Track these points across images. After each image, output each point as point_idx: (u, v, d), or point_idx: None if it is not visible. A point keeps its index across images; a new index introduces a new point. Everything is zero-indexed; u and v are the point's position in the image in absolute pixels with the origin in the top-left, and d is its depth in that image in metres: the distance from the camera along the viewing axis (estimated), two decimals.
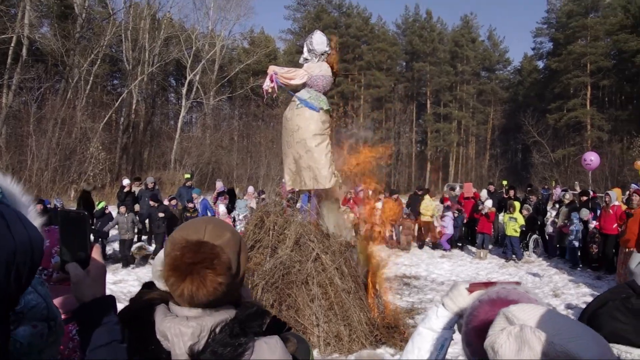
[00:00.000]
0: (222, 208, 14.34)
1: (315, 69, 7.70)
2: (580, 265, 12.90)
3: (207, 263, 1.38)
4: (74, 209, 12.20)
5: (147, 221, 14.96)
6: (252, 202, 15.82)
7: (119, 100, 36.75)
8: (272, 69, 7.59)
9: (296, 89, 7.80)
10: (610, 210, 12.09)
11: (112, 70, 43.52)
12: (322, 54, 7.80)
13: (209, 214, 13.96)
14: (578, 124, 51.05)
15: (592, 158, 17.26)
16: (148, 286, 1.63)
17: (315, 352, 6.38)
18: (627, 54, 46.98)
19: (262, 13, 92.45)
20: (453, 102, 61.21)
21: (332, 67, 7.93)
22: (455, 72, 60.49)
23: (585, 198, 13.84)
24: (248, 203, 15.73)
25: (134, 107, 38.50)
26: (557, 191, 23.63)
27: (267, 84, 7.50)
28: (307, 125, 7.66)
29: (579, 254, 13.23)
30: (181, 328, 1.38)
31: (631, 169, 36.29)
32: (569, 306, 9.03)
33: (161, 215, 13.03)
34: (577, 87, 52.03)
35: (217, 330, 1.40)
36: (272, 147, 39.10)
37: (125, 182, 16.38)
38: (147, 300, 1.51)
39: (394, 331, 7.04)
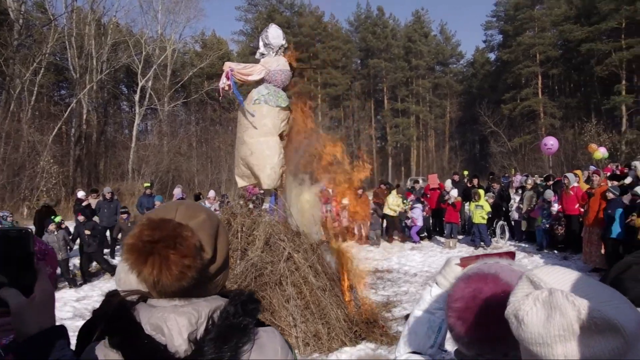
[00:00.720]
0: None
1: (272, 64, 7.44)
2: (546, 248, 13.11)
3: (168, 242, 1.21)
4: (16, 226, 11.47)
5: (107, 233, 14.47)
6: (214, 207, 15.44)
7: (68, 110, 35.24)
8: (227, 65, 7.29)
9: (253, 86, 7.54)
10: (571, 192, 12.45)
11: (58, 79, 41.61)
12: (280, 48, 7.55)
13: None
14: (531, 113, 52.31)
15: (551, 142, 17.54)
16: (112, 295, 1.51)
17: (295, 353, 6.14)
18: (572, 43, 48.71)
19: (213, 15, 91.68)
20: (410, 97, 61.68)
21: (290, 64, 7.70)
22: (410, 67, 60.98)
23: (550, 182, 14.04)
24: (209, 207, 15.34)
25: (84, 117, 37.13)
26: (517, 178, 24.06)
27: (222, 82, 7.20)
28: (263, 123, 7.41)
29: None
30: (176, 317, 1.24)
31: (584, 153, 37.32)
32: None
33: (87, 232, 11.79)
34: (528, 77, 53.38)
35: (216, 315, 1.27)
36: (232, 151, 38.25)
37: (81, 194, 15.83)
38: (123, 300, 1.32)
39: (373, 326, 6.87)
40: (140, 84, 39.81)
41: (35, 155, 27.69)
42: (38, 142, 28.42)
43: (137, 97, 40.31)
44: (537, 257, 12.40)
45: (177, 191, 16.16)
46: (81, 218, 12.20)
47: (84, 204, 14.60)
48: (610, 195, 10.13)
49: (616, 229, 9.75)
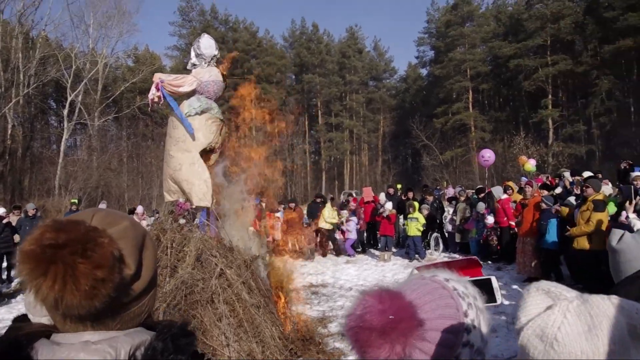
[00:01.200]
0: None
1: (204, 74, 7.23)
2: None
3: (76, 247, 0.96)
4: None
5: None
6: (144, 223, 14.96)
7: None
8: (157, 76, 7.02)
9: (184, 97, 7.31)
10: (498, 205, 12.77)
11: None
12: (212, 58, 7.36)
13: None
14: (463, 126, 53.79)
15: (488, 155, 17.99)
16: (20, 320, 1.18)
17: None
18: (501, 59, 50.73)
19: (146, 30, 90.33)
20: (344, 112, 62.25)
21: (222, 74, 7.53)
22: (344, 82, 61.64)
23: (482, 195, 14.31)
24: None
25: (9, 132, 35.78)
26: (450, 190, 24.54)
27: (152, 93, 6.93)
28: (195, 136, 7.20)
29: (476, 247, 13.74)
30: (86, 357, 0.99)
31: (514, 165, 38.70)
32: None
33: None
34: (459, 92, 54.96)
35: (139, 354, 1.01)
36: (163, 166, 37.77)
37: (1, 211, 14.98)
38: (17, 335, 1.04)
39: (310, 343, 6.73)
40: (69, 99, 38.60)
41: None
42: None
43: (65, 112, 39.00)
44: None
45: (102, 207, 15.26)
46: None
47: (4, 221, 13.79)
48: (543, 206, 10.34)
49: (551, 238, 9.97)
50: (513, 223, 12.27)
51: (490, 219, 12.97)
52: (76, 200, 17.95)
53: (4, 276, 13.36)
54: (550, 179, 16.26)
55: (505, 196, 12.93)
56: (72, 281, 0.94)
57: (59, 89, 43.76)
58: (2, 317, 9.93)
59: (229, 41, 57.48)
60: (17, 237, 13.26)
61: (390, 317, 0.98)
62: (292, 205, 16.02)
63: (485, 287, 1.41)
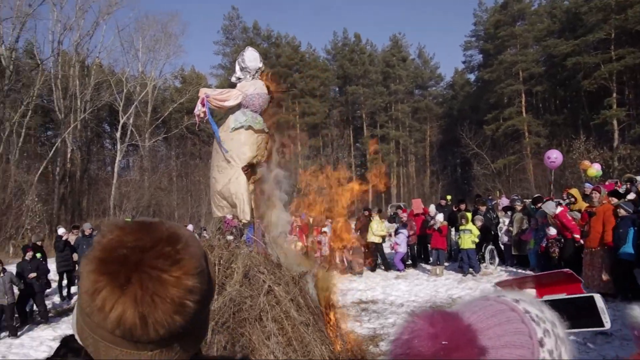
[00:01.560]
0: None
1: (249, 88, 7.18)
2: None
3: (166, 249, 0.79)
4: None
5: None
6: None
7: (53, 150, 35.59)
8: (202, 91, 7.03)
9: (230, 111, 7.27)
10: (555, 220, 11.89)
11: (44, 121, 42.72)
12: (257, 71, 7.31)
13: None
14: (515, 132, 51.89)
15: (555, 155, 16.54)
16: (67, 342, 0.99)
17: None
18: (557, 58, 48.24)
19: (192, 51, 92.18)
20: (389, 123, 61.68)
21: (267, 87, 7.46)
22: (388, 93, 61.13)
23: (539, 205, 13.53)
24: None
25: (69, 155, 37.31)
26: (503, 200, 23.68)
27: (198, 109, 6.92)
28: (242, 150, 7.13)
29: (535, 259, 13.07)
30: None
31: (573, 172, 37.01)
32: None
33: (32, 275, 10.92)
34: (511, 96, 52.99)
35: None
36: (211, 182, 38.41)
37: (61, 231, 15.45)
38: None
39: None
40: (121, 121, 39.92)
41: (21, 194, 27.65)
42: (24, 182, 28.48)
43: (118, 134, 40.32)
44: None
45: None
46: (29, 255, 11.37)
47: (63, 239, 14.25)
48: (622, 213, 9.34)
49: (629, 249, 8.92)
50: (577, 236, 11.30)
51: (552, 230, 12.22)
52: (130, 219, 18.19)
53: (65, 293, 13.70)
54: (619, 184, 15.15)
55: (559, 209, 11.96)
56: (162, 292, 0.76)
57: (112, 113, 45.41)
58: (64, 332, 10.05)
59: (272, 57, 58.01)
60: (75, 256, 13.67)
61: (443, 342, 0.81)
62: (340, 219, 15.81)
63: (585, 308, 1.16)
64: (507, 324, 0.87)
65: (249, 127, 7.14)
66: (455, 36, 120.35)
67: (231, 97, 7.07)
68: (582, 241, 10.98)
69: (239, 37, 60.17)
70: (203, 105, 6.88)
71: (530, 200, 15.39)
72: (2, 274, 10.16)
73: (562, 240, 11.90)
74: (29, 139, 37.90)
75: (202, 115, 6.93)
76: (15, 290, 10.47)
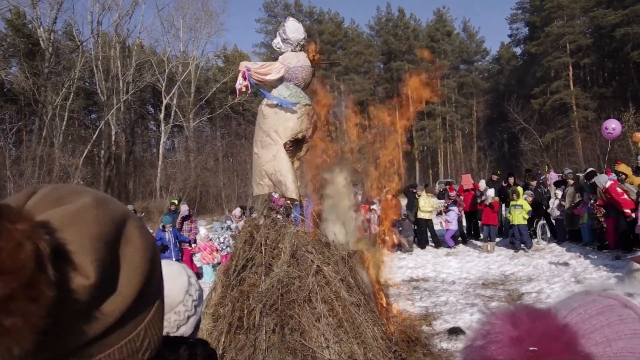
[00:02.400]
0: (202, 231, 13.31)
1: (292, 60, 6.85)
2: (596, 246, 12.15)
3: None
4: None
5: None
6: (240, 225, 15.05)
7: (97, 132, 36.09)
8: (243, 64, 6.74)
9: (272, 85, 6.98)
10: (605, 194, 11.42)
11: (87, 103, 43.13)
12: (299, 43, 6.98)
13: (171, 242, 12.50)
14: (563, 106, 50.67)
15: (613, 126, 14.83)
16: None
17: None
18: (605, 29, 46.67)
19: (233, 29, 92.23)
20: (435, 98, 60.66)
21: (311, 59, 7.14)
22: (434, 68, 60.01)
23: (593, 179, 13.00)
24: (222, 225, 14.90)
25: (113, 138, 37.78)
26: (552, 175, 22.86)
27: (239, 83, 6.65)
28: (286, 126, 6.84)
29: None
30: None
31: (622, 145, 35.77)
32: None
33: None
34: (558, 69, 51.74)
35: None
36: (253, 159, 38.38)
37: None
38: None
39: (415, 344, 6.25)
40: (164, 102, 40.11)
41: (67, 178, 28.05)
42: (69, 166, 28.85)
43: (162, 115, 40.59)
44: (582, 259, 11.42)
45: (184, 208, 14.76)
46: None
47: None
48: None
49: None
50: (628, 211, 10.89)
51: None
52: (176, 201, 18.31)
53: None
54: None
55: (609, 183, 11.46)
56: None
57: (155, 94, 45.67)
58: None
59: (314, 33, 57.55)
60: None
61: (531, 349, 0.59)
62: (389, 196, 15.46)
63: None
64: (619, 324, 0.62)
65: (293, 101, 6.84)
66: (501, 9, 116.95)
67: (273, 71, 6.77)
68: (633, 215, 10.66)
69: (280, 14, 59.87)
70: (245, 78, 6.61)
71: (584, 174, 14.72)
72: None
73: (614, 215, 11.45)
74: (73, 122, 38.43)
75: (243, 89, 6.66)
76: None
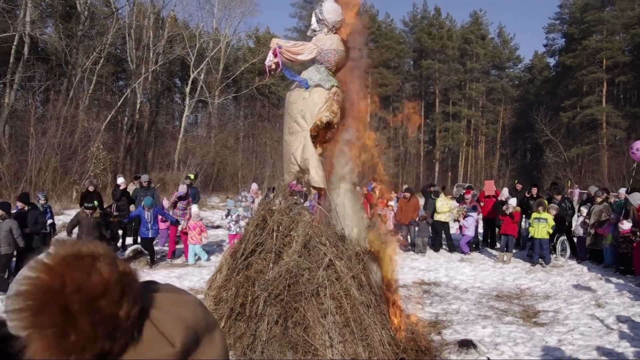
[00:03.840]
0: (194, 209, 12.82)
1: (326, 42, 6.52)
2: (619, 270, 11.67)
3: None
4: None
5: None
6: (256, 201, 14.83)
7: (122, 99, 36.18)
8: (275, 42, 6.43)
9: (303, 66, 6.66)
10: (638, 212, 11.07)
11: (116, 70, 43.27)
12: (335, 25, 6.65)
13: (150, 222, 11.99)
14: (593, 122, 49.61)
15: None
16: None
17: None
18: None
19: (267, 11, 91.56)
20: (462, 101, 60.08)
21: (344, 42, 6.80)
22: (464, 70, 59.45)
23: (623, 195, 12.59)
24: (238, 203, 14.67)
25: (138, 107, 37.79)
26: (576, 191, 22.20)
27: (269, 59, 6.34)
28: (314, 111, 6.51)
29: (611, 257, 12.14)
30: None
31: None
32: (619, 319, 7.84)
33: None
34: (592, 84, 50.75)
35: None
36: (277, 147, 38.37)
37: (120, 180, 15.49)
38: None
39: (424, 354, 5.93)
40: (192, 76, 40.06)
41: (88, 141, 28.10)
42: (91, 129, 28.92)
43: (188, 89, 40.52)
44: (603, 282, 10.90)
45: (182, 188, 14.19)
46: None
47: (121, 188, 14.24)
48: None
49: None
50: None
51: (626, 225, 11.33)
52: (192, 176, 18.14)
53: (119, 243, 13.54)
54: None
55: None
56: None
57: (183, 68, 45.68)
58: None
59: (347, 24, 56.98)
60: (132, 207, 13.59)
61: None
62: (408, 194, 15.09)
63: None
64: None
65: (324, 85, 6.51)
66: (538, 18, 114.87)
67: (305, 51, 6.45)
68: None
69: (316, 0, 59.33)
70: (275, 55, 6.29)
71: (626, 190, 14.22)
72: (1, 222, 9.46)
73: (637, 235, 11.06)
74: (100, 87, 38.58)
75: (273, 66, 6.36)
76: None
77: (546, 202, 13.29)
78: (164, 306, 1.01)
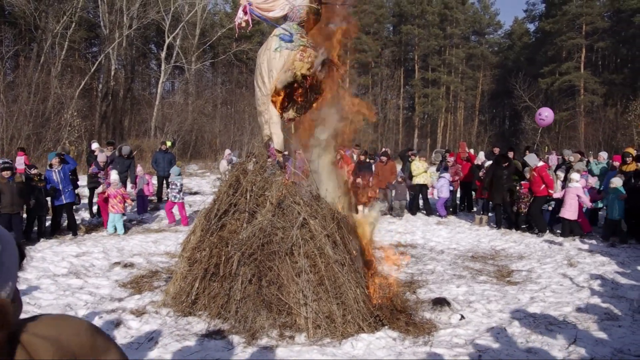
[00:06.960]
0: (113, 175, 12.08)
1: None
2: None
3: None
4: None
5: None
6: (223, 164, 14.75)
7: (95, 65, 35.34)
8: None
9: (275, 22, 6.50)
10: (534, 173, 12.25)
11: (89, 36, 42.18)
12: None
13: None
14: (571, 88, 49.82)
15: (546, 114, 15.50)
16: None
17: (302, 336, 5.28)
18: (625, 13, 45.81)
19: None
20: (442, 67, 59.89)
21: None
22: (444, 36, 59.19)
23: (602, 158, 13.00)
24: (182, 169, 14.49)
25: (112, 73, 36.95)
26: (552, 157, 22.46)
27: (239, 17, 6.18)
28: (274, 74, 6.39)
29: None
30: None
31: (625, 134, 35.38)
32: (590, 277, 7.94)
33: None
34: (571, 50, 50.84)
35: None
36: (255, 114, 37.90)
37: (94, 146, 15.24)
38: None
39: (399, 312, 5.94)
40: (167, 41, 39.15)
41: (61, 108, 27.47)
42: (64, 96, 28.23)
43: (163, 55, 39.63)
44: (577, 242, 11.08)
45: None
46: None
47: (95, 154, 13.96)
48: None
49: None
50: (552, 192, 12.04)
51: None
52: (170, 143, 17.91)
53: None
54: None
55: (541, 163, 12.36)
56: None
57: (159, 33, 44.69)
58: (88, 250, 9.69)
59: None
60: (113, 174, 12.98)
61: None
62: (384, 158, 15.07)
63: None
64: None
65: (295, 44, 6.37)
66: None
67: (277, 7, 6.29)
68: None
69: None
70: (245, 13, 6.13)
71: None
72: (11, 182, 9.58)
73: (530, 197, 12.28)
74: (72, 52, 37.53)
75: (243, 24, 6.20)
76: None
77: (520, 164, 13.36)
78: (37, 331, 1.09)
